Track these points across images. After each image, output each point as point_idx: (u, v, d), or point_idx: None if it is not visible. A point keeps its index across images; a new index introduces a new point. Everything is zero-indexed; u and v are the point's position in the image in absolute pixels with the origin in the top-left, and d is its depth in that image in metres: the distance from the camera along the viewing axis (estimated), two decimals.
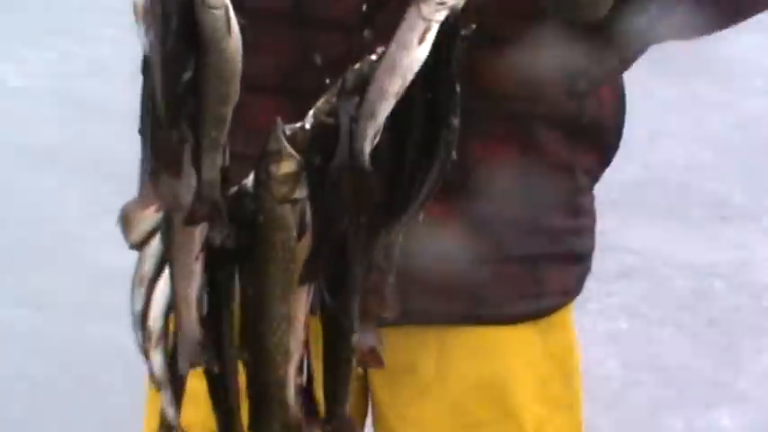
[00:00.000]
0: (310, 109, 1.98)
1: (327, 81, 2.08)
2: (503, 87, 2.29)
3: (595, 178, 2.70)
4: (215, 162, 1.93)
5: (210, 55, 1.89)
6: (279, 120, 1.91)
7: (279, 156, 1.91)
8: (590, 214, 2.72)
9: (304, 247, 1.94)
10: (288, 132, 1.90)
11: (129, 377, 4.13)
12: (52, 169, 6.09)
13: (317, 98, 2.03)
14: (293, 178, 1.90)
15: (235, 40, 1.88)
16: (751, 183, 7.08)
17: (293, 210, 1.92)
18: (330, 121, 1.93)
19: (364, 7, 2.28)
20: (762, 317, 5.99)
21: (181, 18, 1.83)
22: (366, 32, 2.24)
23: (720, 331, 5.85)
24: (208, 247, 1.96)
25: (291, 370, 2.07)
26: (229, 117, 1.91)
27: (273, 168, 1.91)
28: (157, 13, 1.82)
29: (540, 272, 2.65)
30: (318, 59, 2.33)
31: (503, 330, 2.64)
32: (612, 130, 2.65)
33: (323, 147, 1.93)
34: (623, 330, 5.12)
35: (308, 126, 1.93)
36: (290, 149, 1.91)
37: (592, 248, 2.74)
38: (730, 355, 5.74)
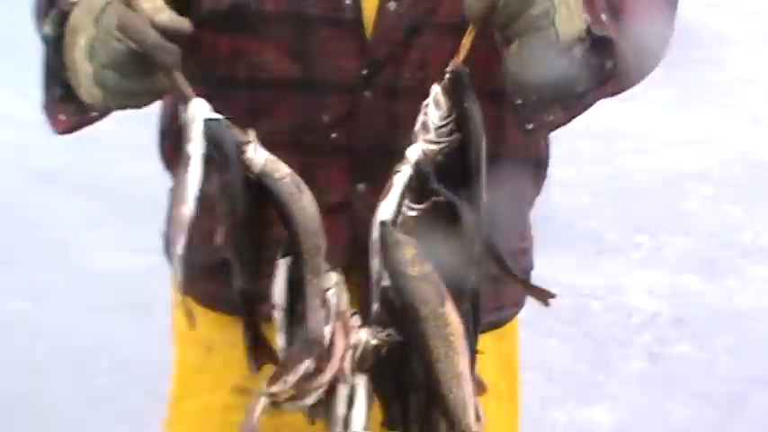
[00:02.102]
0: (320, 160, 2.32)
1: (333, 135, 2.36)
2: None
3: (532, 207, 2.78)
4: (320, 317, 2.07)
5: (293, 215, 2.06)
6: (380, 216, 2.11)
7: (401, 248, 2.04)
8: (530, 238, 2.80)
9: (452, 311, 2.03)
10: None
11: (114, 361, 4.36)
12: (56, 188, 6.27)
13: (325, 152, 2.36)
14: (419, 257, 2.01)
15: (308, 196, 2.06)
16: (621, 223, 7.36)
17: (431, 281, 2.02)
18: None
19: (364, 72, 2.34)
20: (629, 332, 6.21)
21: (251, 194, 2.07)
22: (366, 93, 2.33)
23: (596, 342, 6.11)
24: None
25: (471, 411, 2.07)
26: (322, 264, 2.08)
27: (402, 259, 2.03)
28: (229, 195, 2.07)
29: (499, 287, 2.60)
30: (326, 118, 2.36)
31: (500, 332, 2.70)
32: (546, 168, 2.74)
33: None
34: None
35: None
36: (405, 237, 2.06)
37: (532, 266, 2.79)
38: (603, 362, 5.97)
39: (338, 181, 2.33)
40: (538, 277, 4.53)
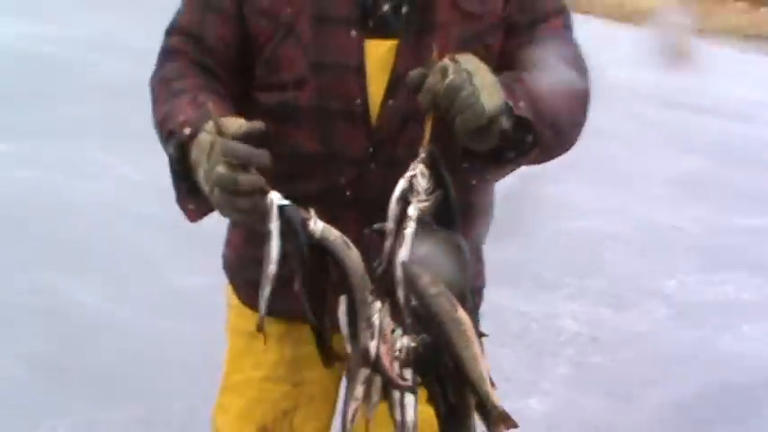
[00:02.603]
0: (339, 211, 2.35)
1: (348, 194, 2.50)
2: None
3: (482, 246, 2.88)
4: (366, 335, 2.17)
5: (346, 264, 2.20)
6: (401, 257, 2.17)
7: (421, 278, 2.13)
8: (483, 262, 2.89)
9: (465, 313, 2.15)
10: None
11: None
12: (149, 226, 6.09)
13: (342, 206, 2.45)
14: (437, 281, 2.12)
15: (354, 250, 2.21)
16: (556, 267, 7.26)
17: (446, 296, 2.11)
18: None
19: (370, 149, 2.47)
20: (558, 346, 6.03)
21: (314, 253, 2.17)
22: (372, 165, 2.48)
23: (534, 352, 5.94)
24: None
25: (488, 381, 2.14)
26: (368, 296, 2.21)
27: (424, 284, 2.13)
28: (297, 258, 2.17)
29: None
30: (342, 182, 2.49)
31: None
32: (491, 215, 2.78)
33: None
34: None
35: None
36: (421, 268, 2.15)
37: (484, 285, 2.89)
38: (539, 367, 5.83)
39: (352, 226, 2.34)
40: (494, 304, 4.61)
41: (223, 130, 2.09)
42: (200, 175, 2.15)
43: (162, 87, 2.50)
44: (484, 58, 2.30)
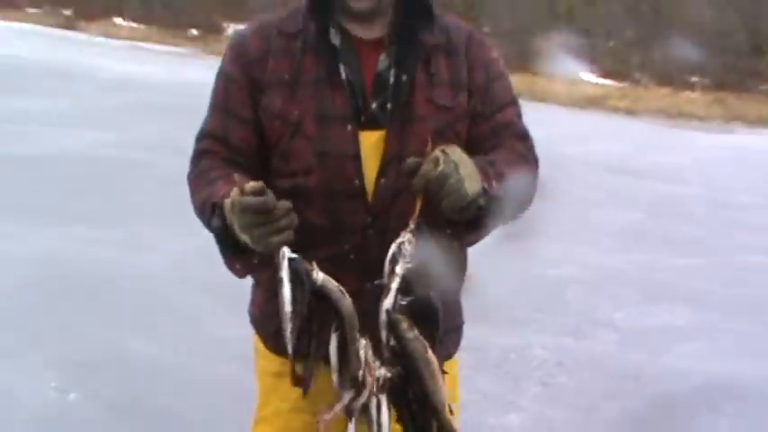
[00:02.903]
0: (342, 271, 2.36)
1: (352, 257, 2.52)
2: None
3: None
4: (355, 365, 2.27)
5: (340, 308, 2.25)
6: (385, 306, 2.25)
7: (401, 323, 2.24)
8: (461, 304, 2.85)
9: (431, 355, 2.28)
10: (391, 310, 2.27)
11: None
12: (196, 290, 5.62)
13: (345, 266, 2.47)
14: (412, 327, 2.24)
15: (347, 297, 2.26)
16: (527, 305, 7.20)
17: (419, 340, 2.24)
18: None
19: (368, 220, 2.50)
20: (531, 370, 5.84)
21: (315, 298, 2.23)
22: (370, 232, 2.50)
23: (512, 377, 5.78)
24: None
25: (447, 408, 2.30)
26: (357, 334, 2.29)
27: (403, 329, 2.24)
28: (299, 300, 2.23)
29: (450, 336, 2.74)
30: (346, 247, 2.51)
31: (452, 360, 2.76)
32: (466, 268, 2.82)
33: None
34: None
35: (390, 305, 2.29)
36: (401, 316, 2.26)
37: (463, 322, 2.87)
38: (515, 388, 5.68)
39: (354, 282, 2.40)
40: (477, 338, 4.54)
41: (241, 189, 2.16)
42: (236, 228, 2.21)
43: (198, 180, 2.53)
44: (454, 143, 2.40)
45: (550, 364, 6.21)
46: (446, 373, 2.36)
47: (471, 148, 2.49)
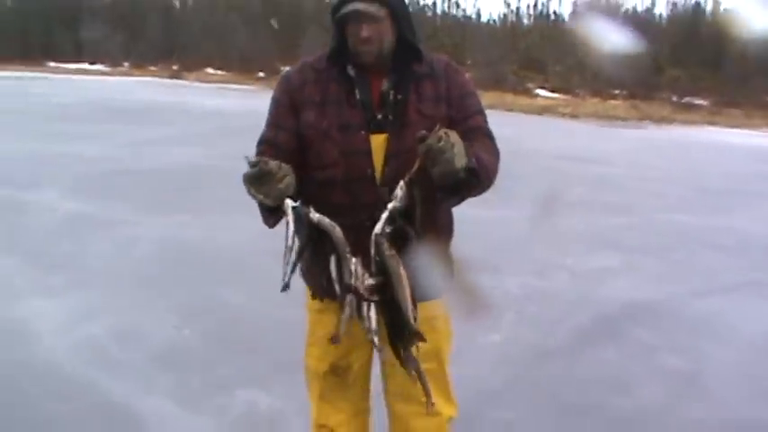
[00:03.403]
0: (363, 236, 2.35)
1: (368, 224, 2.37)
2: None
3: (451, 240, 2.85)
4: (348, 278, 2.33)
5: (332, 234, 2.33)
6: (375, 231, 2.30)
7: (383, 244, 2.29)
8: (451, 255, 2.82)
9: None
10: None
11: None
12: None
13: (365, 231, 2.35)
14: (391, 247, 2.28)
15: (338, 228, 2.34)
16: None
17: (395, 257, 2.28)
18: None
19: (378, 197, 2.48)
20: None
21: (314, 231, 2.31)
22: (379, 206, 2.38)
23: (494, 308, 5.77)
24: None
25: (411, 305, 2.33)
26: (348, 254, 2.34)
27: (384, 248, 2.29)
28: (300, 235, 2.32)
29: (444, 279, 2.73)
30: (364, 217, 2.46)
31: (439, 302, 2.73)
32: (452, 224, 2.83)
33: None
34: None
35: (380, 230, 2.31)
36: (384, 239, 2.30)
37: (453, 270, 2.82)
38: (497, 316, 5.57)
39: (368, 241, 2.34)
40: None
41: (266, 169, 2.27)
42: (253, 193, 2.30)
43: None
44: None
45: (521, 297, 6.15)
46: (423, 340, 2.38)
47: None
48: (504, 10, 31.18)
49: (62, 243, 7.39)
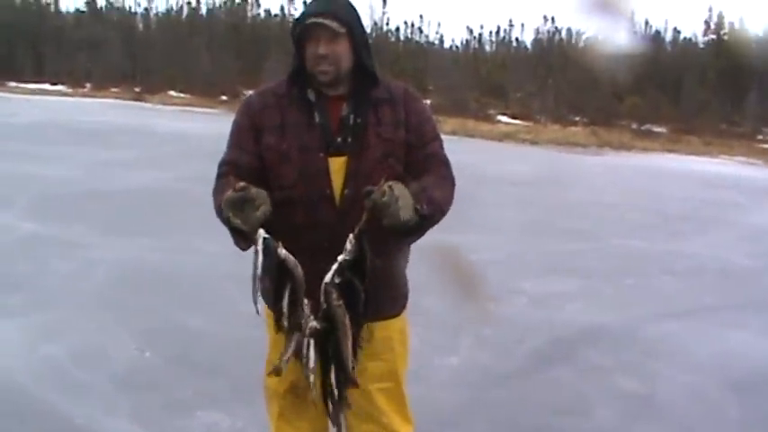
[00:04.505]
0: (321, 257, 2.43)
1: (326, 245, 2.49)
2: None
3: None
4: (302, 309, 2.39)
5: (294, 273, 2.35)
6: (326, 280, 2.37)
7: (332, 294, 2.36)
8: (407, 278, 2.89)
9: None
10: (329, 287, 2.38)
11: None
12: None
13: (324, 252, 2.45)
14: (340, 298, 2.38)
15: (299, 268, 2.36)
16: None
17: (342, 307, 2.37)
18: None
19: (337, 218, 2.55)
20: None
21: (278, 268, 2.34)
22: (339, 227, 2.48)
23: (452, 331, 5.83)
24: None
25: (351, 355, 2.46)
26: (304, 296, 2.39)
27: (333, 298, 2.37)
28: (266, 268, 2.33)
29: (399, 299, 2.83)
30: (322, 238, 2.53)
31: (395, 321, 2.82)
32: (407, 256, 2.86)
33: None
34: None
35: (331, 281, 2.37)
36: (334, 288, 2.38)
37: (408, 291, 2.88)
38: (456, 339, 5.67)
39: (327, 264, 2.43)
40: (428, 304, 4.32)
41: (232, 189, 2.31)
42: (230, 216, 2.32)
43: (216, 192, 2.58)
44: (395, 165, 2.63)
45: (479, 321, 6.16)
46: (356, 383, 2.52)
47: (409, 170, 2.65)
48: (466, 36, 31.08)
49: (20, 263, 7.32)
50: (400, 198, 2.34)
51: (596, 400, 4.81)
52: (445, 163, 2.75)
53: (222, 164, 2.71)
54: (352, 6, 2.70)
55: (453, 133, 20.09)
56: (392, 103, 2.71)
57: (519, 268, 8.06)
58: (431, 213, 2.47)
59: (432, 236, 2.83)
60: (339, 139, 2.65)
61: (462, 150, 14.80)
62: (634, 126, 23.29)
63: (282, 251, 2.37)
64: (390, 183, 2.36)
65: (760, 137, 22.07)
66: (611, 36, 26.35)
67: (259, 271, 2.34)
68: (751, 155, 19.94)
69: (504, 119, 25.68)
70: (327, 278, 2.39)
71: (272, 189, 2.60)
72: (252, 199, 2.31)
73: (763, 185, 14.70)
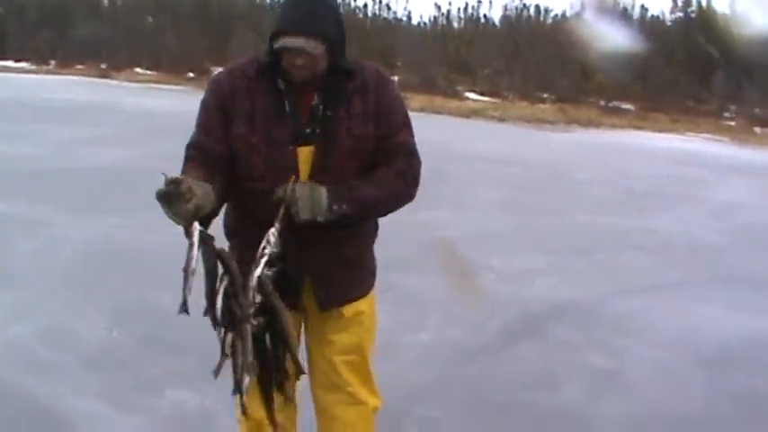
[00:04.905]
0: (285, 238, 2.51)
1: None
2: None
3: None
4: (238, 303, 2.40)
5: (229, 267, 2.39)
6: (256, 276, 2.41)
7: (268, 286, 2.42)
8: (374, 257, 2.97)
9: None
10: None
11: None
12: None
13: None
14: (275, 290, 2.43)
15: (234, 261, 2.41)
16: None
17: (278, 298, 2.43)
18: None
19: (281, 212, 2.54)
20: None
21: (215, 258, 2.39)
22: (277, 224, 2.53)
23: (421, 308, 5.85)
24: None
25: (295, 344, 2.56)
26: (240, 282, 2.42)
27: (269, 290, 2.42)
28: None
29: (367, 278, 2.92)
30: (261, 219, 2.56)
31: (363, 300, 2.89)
32: (376, 230, 2.94)
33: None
34: None
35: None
36: (268, 282, 2.43)
37: (375, 268, 2.95)
38: (424, 316, 5.74)
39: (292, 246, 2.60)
40: (397, 281, 4.29)
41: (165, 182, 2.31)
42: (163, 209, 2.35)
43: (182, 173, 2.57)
44: (364, 157, 2.66)
45: (448, 297, 6.22)
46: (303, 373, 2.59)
47: (376, 160, 2.68)
48: (434, 13, 30.90)
49: None
50: (300, 199, 2.48)
51: (565, 375, 4.86)
52: (408, 153, 2.76)
53: (189, 146, 2.70)
54: (331, 8, 2.64)
55: (421, 110, 20.04)
56: (363, 92, 2.69)
57: (488, 245, 8.07)
58: (351, 213, 2.58)
59: (401, 213, 2.87)
60: (308, 130, 2.64)
61: (431, 127, 14.82)
62: (602, 103, 23.41)
63: (218, 245, 2.42)
64: (296, 183, 2.52)
65: (726, 114, 22.19)
66: (579, 14, 26.44)
67: (192, 264, 2.34)
68: (717, 132, 20.05)
69: (472, 96, 25.61)
70: (258, 271, 2.43)
71: (241, 177, 2.67)
72: (180, 194, 2.29)
73: (729, 162, 14.77)
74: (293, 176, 2.56)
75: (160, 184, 2.31)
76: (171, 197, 2.29)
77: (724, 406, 4.57)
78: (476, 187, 11.14)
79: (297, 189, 2.50)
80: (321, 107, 2.65)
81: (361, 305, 2.89)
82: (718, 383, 4.85)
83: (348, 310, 2.85)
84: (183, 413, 4.19)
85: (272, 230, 2.48)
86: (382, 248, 2.98)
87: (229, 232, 2.86)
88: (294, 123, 2.63)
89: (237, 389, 2.44)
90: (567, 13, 27.60)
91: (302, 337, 2.92)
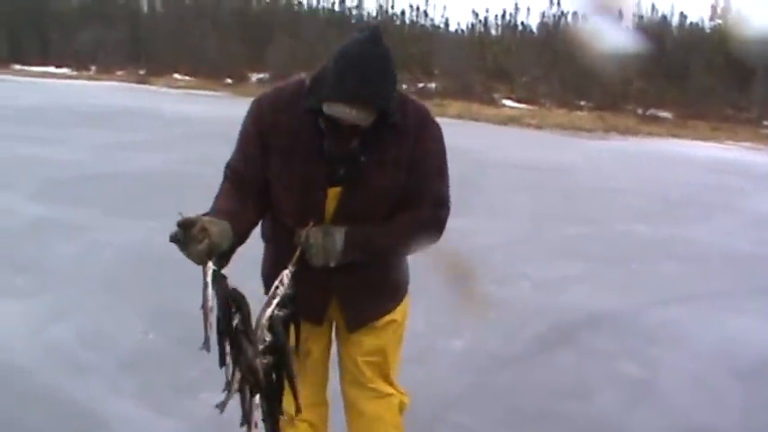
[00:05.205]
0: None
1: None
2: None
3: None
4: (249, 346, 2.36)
5: (242, 305, 2.32)
6: (267, 316, 2.41)
7: (279, 326, 2.41)
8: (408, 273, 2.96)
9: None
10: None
11: None
12: None
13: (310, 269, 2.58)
14: (284, 330, 2.44)
15: (247, 302, 2.34)
16: None
17: (287, 339, 2.45)
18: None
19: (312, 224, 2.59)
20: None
21: (227, 295, 2.31)
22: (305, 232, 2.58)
23: (457, 314, 5.74)
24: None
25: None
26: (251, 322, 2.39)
27: (279, 330, 2.42)
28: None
29: (401, 290, 2.92)
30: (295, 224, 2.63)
31: (395, 312, 2.87)
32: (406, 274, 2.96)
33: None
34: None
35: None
36: (279, 322, 2.42)
37: (408, 282, 2.94)
38: (460, 322, 5.67)
39: (316, 281, 2.67)
40: (432, 288, 4.25)
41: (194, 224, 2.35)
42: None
43: (216, 197, 2.63)
44: (387, 199, 2.63)
45: (484, 304, 6.17)
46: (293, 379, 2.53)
47: (405, 202, 2.65)
48: (472, 20, 30.95)
49: (26, 246, 7.35)
50: (313, 246, 2.55)
51: (598, 384, 4.84)
52: (436, 203, 2.73)
53: (228, 166, 2.72)
54: (394, 76, 2.52)
55: (458, 117, 20.06)
56: (401, 136, 2.62)
57: (522, 252, 8.05)
58: (364, 259, 2.65)
59: None
60: (342, 172, 2.60)
61: (467, 134, 14.84)
62: (640, 111, 23.27)
63: (230, 283, 2.36)
64: (312, 228, 2.56)
65: (766, 122, 21.99)
66: (617, 22, 26.29)
67: (210, 303, 2.31)
68: (756, 140, 19.89)
69: (509, 103, 25.59)
70: (269, 312, 2.43)
71: (272, 204, 2.71)
72: (192, 237, 2.32)
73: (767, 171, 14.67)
74: (311, 222, 2.58)
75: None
76: (183, 238, 2.33)
77: (760, 418, 4.54)
78: (511, 195, 11.10)
79: (311, 236, 2.56)
80: (357, 151, 2.58)
81: (394, 315, 2.90)
82: (754, 395, 4.81)
83: (380, 321, 2.88)
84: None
85: (286, 272, 2.49)
86: (416, 254, 2.95)
87: (266, 238, 2.88)
88: (330, 167, 2.59)
89: (245, 420, 2.51)
90: (605, 21, 27.46)
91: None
